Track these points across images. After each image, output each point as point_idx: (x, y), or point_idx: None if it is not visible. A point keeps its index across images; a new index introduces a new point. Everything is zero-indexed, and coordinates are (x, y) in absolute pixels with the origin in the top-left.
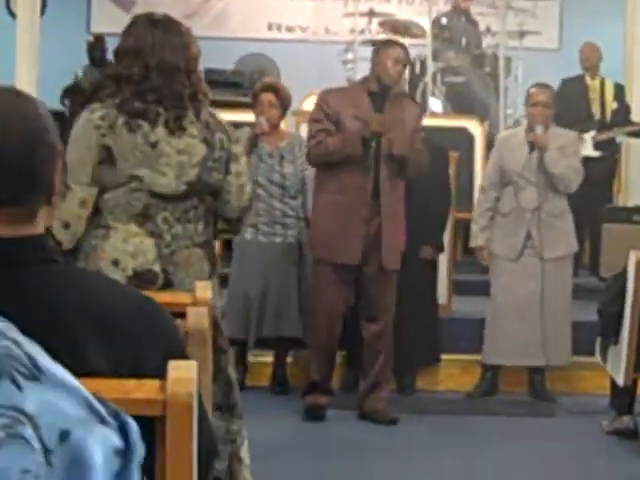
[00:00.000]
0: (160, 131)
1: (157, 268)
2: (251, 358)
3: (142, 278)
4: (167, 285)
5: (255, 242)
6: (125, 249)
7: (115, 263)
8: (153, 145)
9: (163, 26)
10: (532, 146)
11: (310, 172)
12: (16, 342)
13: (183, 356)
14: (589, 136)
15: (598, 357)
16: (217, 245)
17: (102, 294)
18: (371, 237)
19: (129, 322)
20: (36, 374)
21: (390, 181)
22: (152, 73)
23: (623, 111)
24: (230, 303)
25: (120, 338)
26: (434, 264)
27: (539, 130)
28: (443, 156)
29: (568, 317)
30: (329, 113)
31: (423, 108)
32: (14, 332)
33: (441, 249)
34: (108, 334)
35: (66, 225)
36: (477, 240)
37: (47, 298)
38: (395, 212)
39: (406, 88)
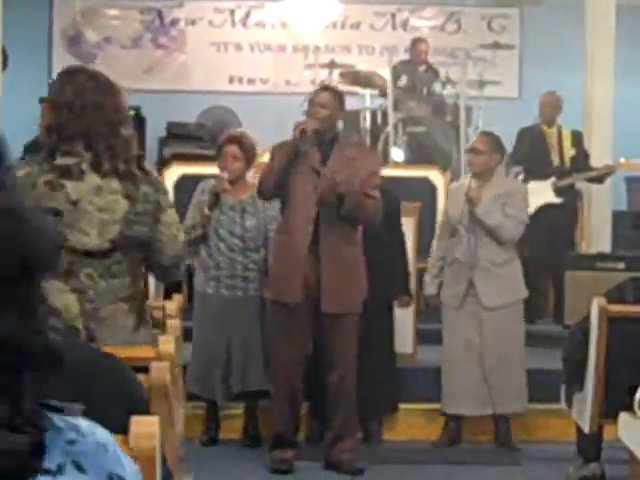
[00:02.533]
0: (83, 188)
1: (79, 324)
2: (222, 412)
3: (64, 335)
4: (90, 341)
5: (217, 296)
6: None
7: None
8: (74, 204)
9: (96, 78)
10: None
11: (273, 226)
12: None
13: (146, 413)
14: (549, 183)
15: (563, 404)
16: (180, 298)
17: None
18: (314, 280)
19: (93, 380)
20: None
21: (332, 224)
22: (78, 114)
23: (582, 157)
24: (194, 358)
25: (84, 395)
26: (391, 312)
27: (474, 184)
28: (395, 205)
29: (520, 365)
30: None
31: (384, 157)
32: (132, 478)
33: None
34: (72, 391)
35: None
36: (429, 289)
37: None
38: (339, 255)
39: (352, 134)
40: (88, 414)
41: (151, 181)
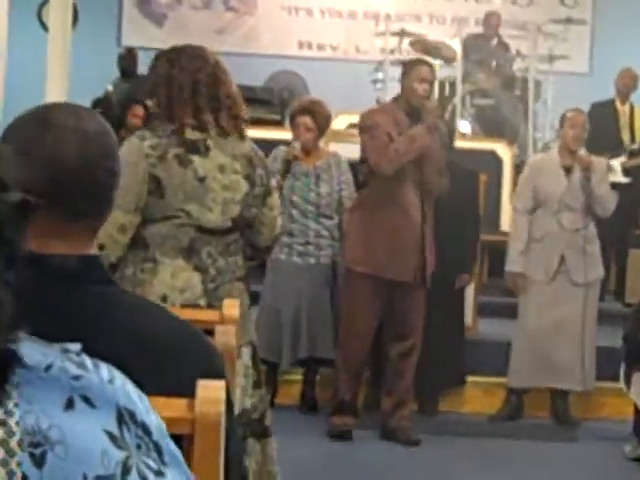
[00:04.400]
0: (209, 165)
1: (203, 303)
2: (280, 376)
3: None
4: None
5: (289, 263)
6: (174, 284)
7: (163, 299)
8: (201, 180)
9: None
10: (568, 169)
11: (347, 192)
12: (145, 429)
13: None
14: (618, 162)
15: (622, 383)
16: None
17: (147, 318)
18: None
19: (172, 348)
20: (162, 470)
21: (430, 201)
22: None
23: None
24: (261, 323)
25: (163, 363)
26: (462, 288)
27: (583, 152)
28: (473, 180)
29: (594, 342)
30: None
31: (451, 129)
32: (143, 413)
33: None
34: (152, 359)
35: (100, 247)
36: (515, 265)
37: (103, 319)
38: (431, 231)
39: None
40: (167, 381)
41: (264, 164)
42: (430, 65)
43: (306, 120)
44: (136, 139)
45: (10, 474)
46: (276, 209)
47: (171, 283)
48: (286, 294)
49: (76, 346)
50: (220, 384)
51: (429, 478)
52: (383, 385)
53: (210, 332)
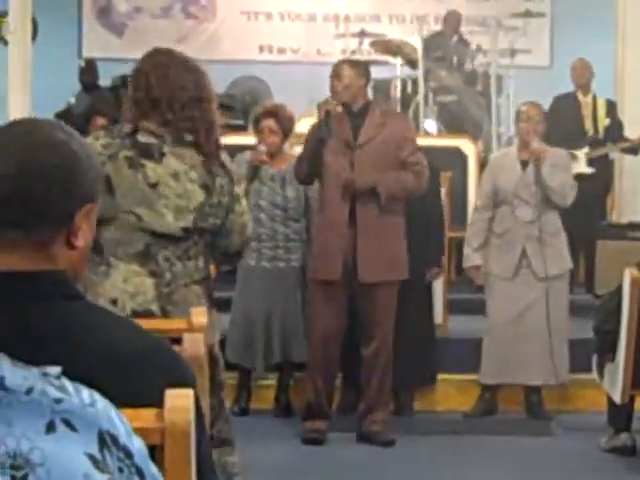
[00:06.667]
0: (162, 171)
1: (155, 308)
2: (255, 381)
3: (140, 318)
4: None
5: (259, 268)
6: (125, 289)
7: (114, 302)
8: (153, 186)
9: (173, 55)
10: (525, 163)
11: (314, 194)
12: (127, 453)
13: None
14: (582, 153)
15: (595, 374)
16: (212, 268)
17: (111, 332)
18: (352, 251)
19: (137, 360)
20: None
21: (369, 196)
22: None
23: (616, 127)
24: (233, 329)
25: (128, 377)
26: (429, 284)
27: (535, 144)
28: (435, 176)
29: (565, 335)
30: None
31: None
32: (125, 436)
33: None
34: (117, 373)
35: None
36: (472, 260)
37: (66, 335)
38: (376, 225)
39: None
40: (131, 391)
41: (226, 172)
42: (352, 62)
43: (270, 123)
44: (90, 138)
45: None
46: (245, 215)
47: (122, 287)
48: (257, 299)
49: (55, 369)
50: (188, 392)
51: (406, 478)
52: (358, 387)
53: (178, 340)
